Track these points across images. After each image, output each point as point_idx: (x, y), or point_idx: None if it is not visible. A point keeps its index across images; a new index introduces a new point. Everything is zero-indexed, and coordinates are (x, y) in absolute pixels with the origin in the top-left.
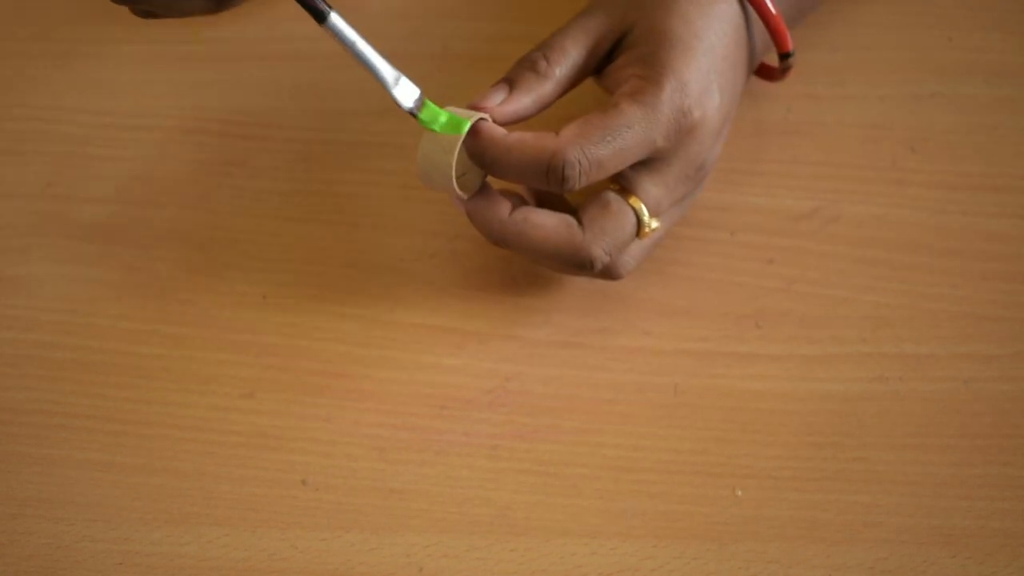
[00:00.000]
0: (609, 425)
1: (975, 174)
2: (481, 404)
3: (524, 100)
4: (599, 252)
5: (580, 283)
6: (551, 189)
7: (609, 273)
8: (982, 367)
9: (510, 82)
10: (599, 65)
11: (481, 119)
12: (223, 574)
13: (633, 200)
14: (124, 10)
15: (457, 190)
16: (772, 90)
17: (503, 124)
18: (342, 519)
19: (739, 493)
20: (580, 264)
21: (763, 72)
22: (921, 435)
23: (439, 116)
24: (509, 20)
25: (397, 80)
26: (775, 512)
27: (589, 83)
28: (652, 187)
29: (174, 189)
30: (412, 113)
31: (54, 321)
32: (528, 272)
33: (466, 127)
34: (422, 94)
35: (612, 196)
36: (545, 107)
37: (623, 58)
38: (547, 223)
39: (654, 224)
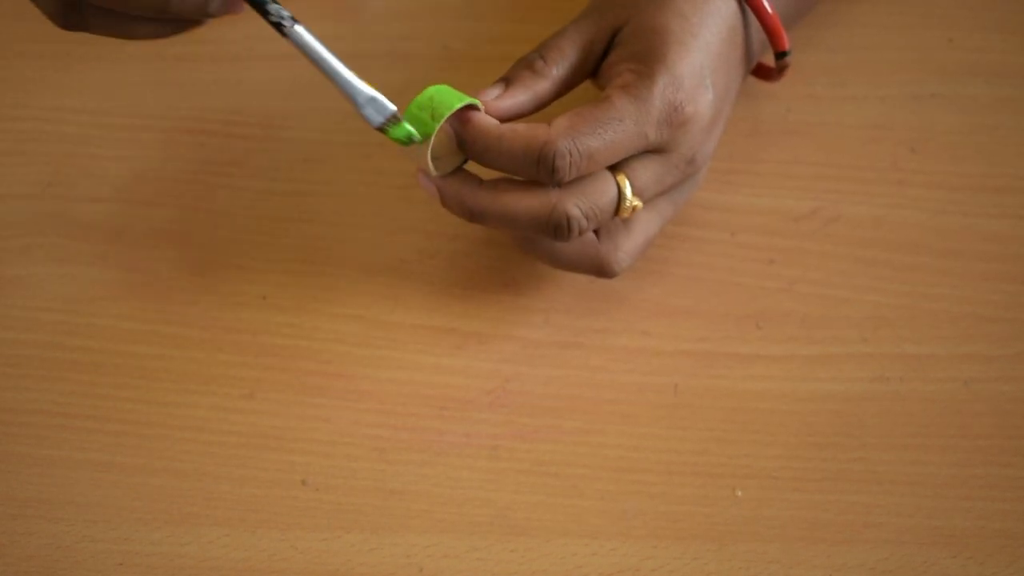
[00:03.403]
0: (609, 425)
1: (976, 175)
2: (481, 404)
3: (520, 97)
4: (575, 210)
5: (580, 283)
6: (541, 179)
7: (602, 268)
8: (983, 368)
9: (507, 80)
10: (595, 66)
11: (471, 105)
12: (223, 574)
13: (618, 175)
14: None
15: (430, 165)
16: (772, 90)
17: (498, 119)
18: (342, 519)
19: (739, 493)
20: (557, 225)
21: (760, 72)
22: (922, 435)
23: (408, 134)
24: (509, 20)
25: (370, 100)
26: (775, 512)
27: (587, 86)
28: (640, 169)
29: (174, 189)
30: (381, 129)
31: (54, 321)
32: (528, 272)
33: (456, 106)
34: (396, 112)
35: None
36: (542, 106)
37: (616, 54)
38: (520, 186)
39: (636, 202)
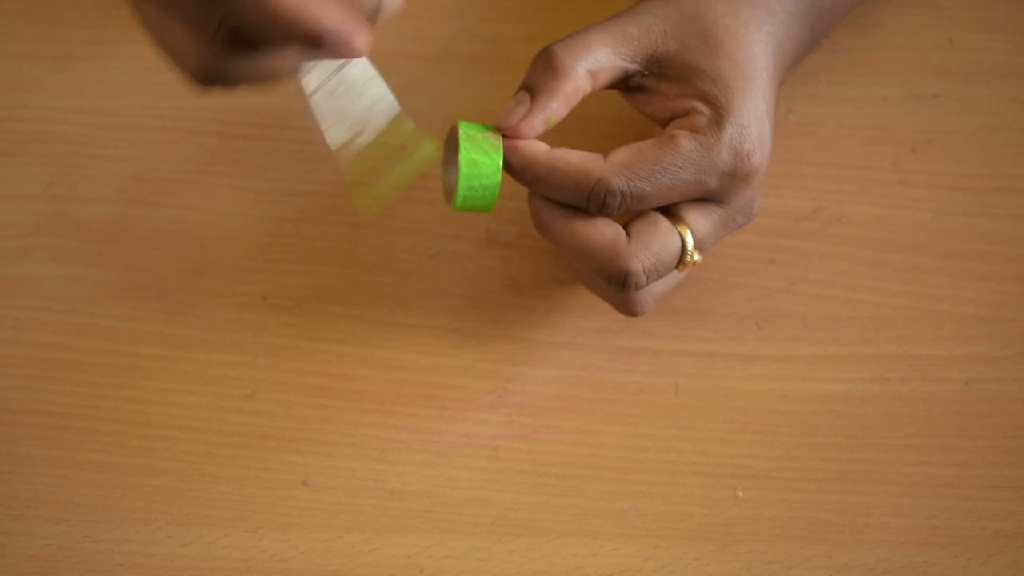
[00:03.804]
0: (610, 426)
1: (977, 175)
2: (482, 405)
3: (548, 109)
4: (638, 267)
5: (581, 283)
6: (589, 211)
7: (627, 308)
8: (983, 368)
9: (529, 89)
10: (621, 81)
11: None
12: (224, 575)
13: (682, 228)
14: (124, 10)
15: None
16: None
17: (533, 138)
18: (343, 520)
19: (740, 494)
20: (613, 275)
21: None
22: (922, 436)
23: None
24: (511, 21)
25: None
26: (776, 513)
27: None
28: (703, 220)
29: (174, 189)
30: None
31: (54, 321)
32: (529, 273)
33: (495, 165)
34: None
35: (662, 217)
36: (571, 107)
37: (676, 87)
38: (595, 223)
39: (696, 256)
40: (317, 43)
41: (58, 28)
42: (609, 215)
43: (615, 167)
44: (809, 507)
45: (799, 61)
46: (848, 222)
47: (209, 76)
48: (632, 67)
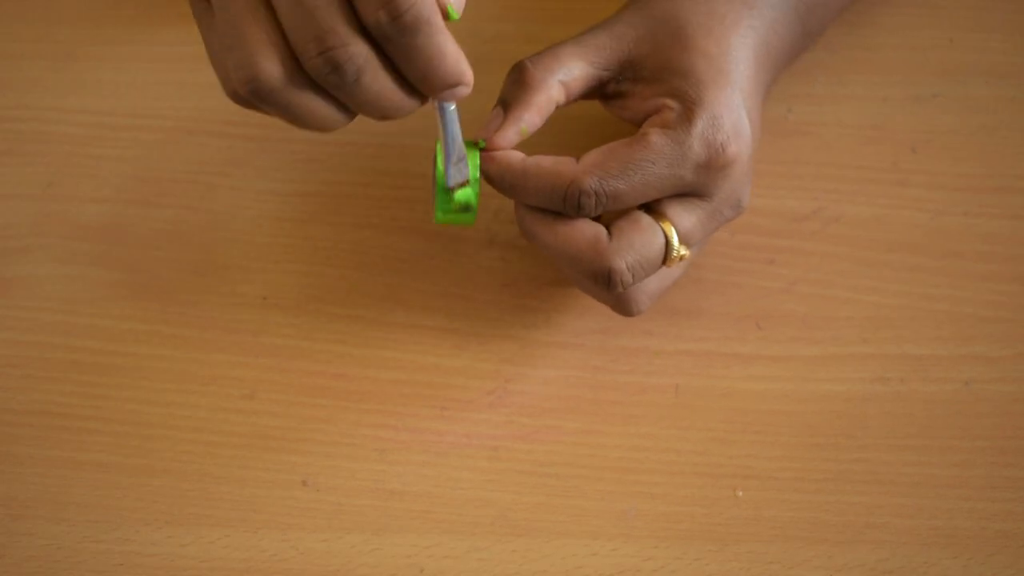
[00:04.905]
0: (610, 426)
1: (976, 175)
2: (482, 405)
3: (521, 122)
4: (621, 265)
5: None
6: (567, 213)
7: (623, 307)
8: (983, 368)
9: (504, 104)
10: (605, 83)
11: (481, 149)
12: (224, 575)
13: (665, 224)
14: (124, 10)
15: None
16: (772, 90)
17: (508, 149)
18: (343, 520)
19: (740, 494)
20: (598, 274)
21: None
22: (922, 436)
23: (467, 199)
24: (509, 20)
25: (460, 159)
26: (776, 513)
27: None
28: (686, 216)
29: (174, 189)
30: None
31: (54, 321)
32: (529, 273)
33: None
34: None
35: (644, 215)
36: (544, 118)
37: (650, 88)
38: (575, 224)
39: (683, 251)
40: (457, 87)
41: (58, 28)
42: (588, 216)
43: (586, 168)
44: (809, 507)
45: (794, 57)
46: (847, 222)
47: (262, 95)
48: (605, 74)
